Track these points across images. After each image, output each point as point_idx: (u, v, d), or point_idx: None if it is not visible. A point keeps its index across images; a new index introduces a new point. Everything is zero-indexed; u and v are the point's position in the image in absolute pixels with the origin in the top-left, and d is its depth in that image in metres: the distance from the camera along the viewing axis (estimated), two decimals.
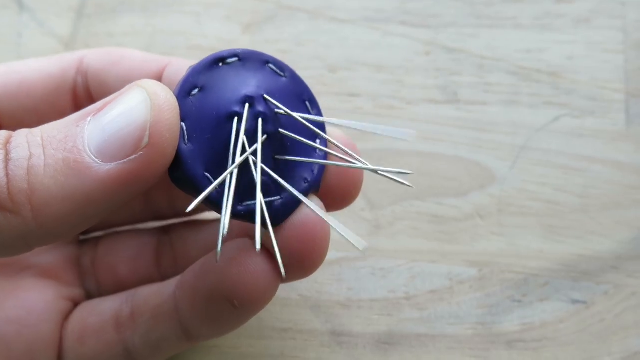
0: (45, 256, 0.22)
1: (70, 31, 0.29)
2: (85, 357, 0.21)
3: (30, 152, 0.16)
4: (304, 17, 0.29)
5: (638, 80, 0.27)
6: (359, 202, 0.26)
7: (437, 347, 0.24)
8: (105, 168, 0.15)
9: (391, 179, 0.17)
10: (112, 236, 0.24)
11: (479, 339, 0.24)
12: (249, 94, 0.17)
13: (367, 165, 0.17)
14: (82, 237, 0.24)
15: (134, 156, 0.16)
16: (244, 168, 0.17)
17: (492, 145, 0.27)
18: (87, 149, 0.16)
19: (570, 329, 0.24)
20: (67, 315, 0.22)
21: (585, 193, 0.26)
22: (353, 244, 0.16)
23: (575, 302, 0.25)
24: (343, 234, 0.16)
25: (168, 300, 0.20)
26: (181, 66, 0.20)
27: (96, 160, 0.16)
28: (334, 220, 0.16)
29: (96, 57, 0.21)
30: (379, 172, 0.17)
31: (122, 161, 0.16)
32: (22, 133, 0.16)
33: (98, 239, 0.24)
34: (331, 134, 0.19)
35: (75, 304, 0.22)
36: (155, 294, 0.21)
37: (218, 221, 0.18)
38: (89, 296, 0.23)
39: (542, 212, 0.26)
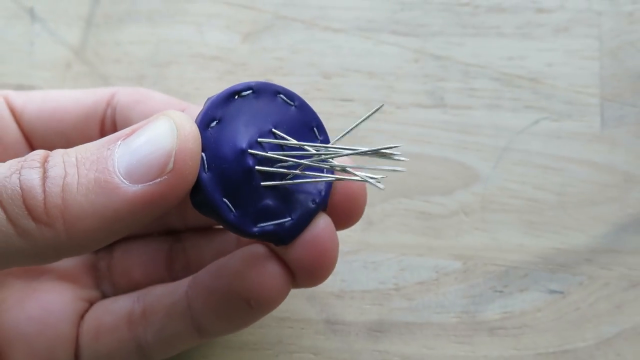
0: (64, 261, 0.23)
1: (80, 40, 0.31)
2: (100, 353, 0.22)
3: (66, 171, 0.17)
4: (299, 27, 0.31)
5: (612, 85, 0.29)
6: None
7: (424, 334, 0.26)
8: (132, 189, 0.17)
9: (369, 182, 0.19)
10: (127, 243, 0.25)
11: (463, 327, 0.26)
12: (252, 133, 0.19)
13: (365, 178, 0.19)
14: None
15: (159, 180, 0.17)
16: (257, 194, 0.19)
17: (476, 146, 0.28)
18: (117, 170, 0.17)
19: (548, 317, 0.26)
20: (83, 315, 0.23)
21: (562, 191, 0.28)
22: (377, 186, 0.18)
23: (552, 292, 0.26)
24: (368, 180, 0.18)
25: (181, 299, 0.21)
26: (196, 113, 0.21)
27: (124, 181, 0.17)
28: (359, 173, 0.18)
29: (126, 94, 0.23)
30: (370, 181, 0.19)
31: (148, 183, 0.17)
32: (59, 153, 0.18)
33: (112, 245, 0.25)
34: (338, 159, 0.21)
35: (91, 304, 0.23)
36: (167, 293, 0.22)
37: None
38: (104, 298, 0.24)
39: (523, 209, 0.27)
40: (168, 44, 0.31)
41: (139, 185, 0.17)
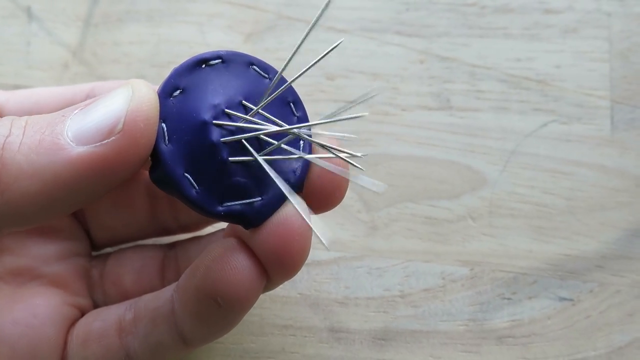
0: (57, 267, 0.23)
1: (78, 40, 0.30)
2: None
3: (11, 131, 0.16)
4: (302, 27, 0.30)
5: (622, 87, 0.28)
6: (355, 205, 0.27)
7: (431, 343, 0.25)
8: (76, 150, 0.16)
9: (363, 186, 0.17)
10: (122, 250, 0.24)
11: (470, 335, 0.25)
12: (217, 103, 0.17)
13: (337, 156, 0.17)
14: (94, 253, 0.25)
15: (106, 141, 0.16)
16: (224, 171, 0.17)
17: (483, 150, 0.28)
18: (65, 133, 0.16)
19: (558, 325, 0.25)
20: (73, 322, 0.22)
21: (572, 196, 0.27)
22: (321, 241, 0.16)
23: (562, 299, 0.26)
24: (316, 231, 0.16)
25: (166, 304, 0.20)
26: None
27: (70, 143, 0.16)
28: (313, 219, 0.17)
29: (105, 85, 0.22)
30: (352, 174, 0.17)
31: (94, 144, 0.16)
32: (10, 117, 0.17)
33: (109, 253, 0.24)
34: (318, 137, 0.19)
35: (83, 313, 0.23)
36: (154, 298, 0.21)
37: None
38: (97, 307, 0.23)
39: (531, 214, 0.27)
40: (168, 44, 0.30)
41: (85, 147, 0.16)
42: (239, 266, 0.18)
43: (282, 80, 0.19)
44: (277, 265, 0.18)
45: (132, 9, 0.31)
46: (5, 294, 0.22)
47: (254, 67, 0.18)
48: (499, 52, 0.29)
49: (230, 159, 0.17)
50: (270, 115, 0.18)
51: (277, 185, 0.17)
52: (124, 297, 0.23)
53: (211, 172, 0.17)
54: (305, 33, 0.17)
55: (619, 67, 0.29)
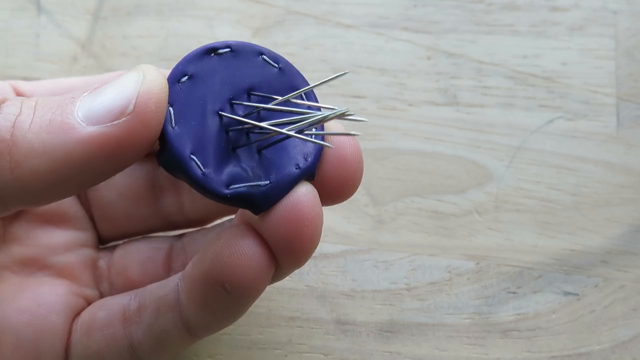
0: (64, 257, 0.23)
1: (87, 33, 0.30)
2: (91, 350, 0.21)
3: (21, 111, 0.16)
4: (311, 22, 0.30)
5: (628, 85, 0.29)
6: (362, 198, 0.27)
7: (436, 336, 0.25)
8: (87, 130, 0.16)
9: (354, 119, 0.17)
10: (129, 242, 0.24)
11: (475, 328, 0.25)
12: (224, 89, 0.18)
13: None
14: (102, 246, 0.25)
15: (116, 122, 0.16)
16: (231, 155, 0.17)
17: (489, 145, 0.28)
18: (76, 113, 0.16)
19: (562, 319, 0.25)
20: (79, 312, 0.22)
21: (577, 191, 0.27)
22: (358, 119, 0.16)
23: (567, 294, 0.26)
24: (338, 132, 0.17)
25: (171, 292, 0.20)
26: None
27: (81, 123, 0.16)
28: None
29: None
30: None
31: (105, 125, 0.16)
32: (20, 97, 0.17)
33: (116, 245, 0.24)
34: (329, 127, 0.19)
35: (89, 303, 0.23)
36: (159, 287, 0.21)
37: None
38: (102, 297, 0.23)
39: (537, 209, 0.27)
40: (177, 38, 0.30)
41: (95, 127, 0.16)
42: (248, 252, 0.18)
43: (297, 77, 0.19)
44: (287, 251, 0.18)
45: (141, 3, 0.31)
46: (13, 283, 0.22)
47: (263, 56, 0.19)
48: (506, 48, 0.29)
49: (234, 147, 0.17)
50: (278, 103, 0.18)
51: (285, 169, 0.18)
52: (130, 288, 0.23)
53: (218, 157, 0.17)
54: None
55: (624, 64, 0.29)
